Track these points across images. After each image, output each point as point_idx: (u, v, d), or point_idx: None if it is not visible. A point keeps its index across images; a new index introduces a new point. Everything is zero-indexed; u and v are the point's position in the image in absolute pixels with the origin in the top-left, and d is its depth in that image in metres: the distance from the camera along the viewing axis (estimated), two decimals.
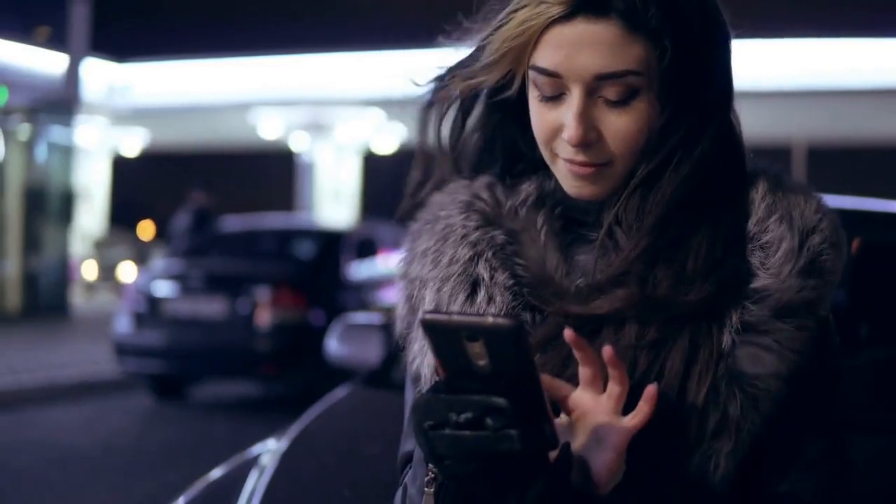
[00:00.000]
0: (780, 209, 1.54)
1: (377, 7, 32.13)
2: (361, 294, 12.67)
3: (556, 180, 1.59)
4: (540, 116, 1.53)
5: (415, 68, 1.73)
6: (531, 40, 1.49)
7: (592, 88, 1.47)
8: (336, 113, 31.16)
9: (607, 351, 1.36)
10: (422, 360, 1.61)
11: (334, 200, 32.76)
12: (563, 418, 1.41)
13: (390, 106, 29.17)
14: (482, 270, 1.57)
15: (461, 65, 1.62)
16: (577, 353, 1.39)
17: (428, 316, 1.27)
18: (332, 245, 13.47)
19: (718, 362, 1.47)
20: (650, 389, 1.38)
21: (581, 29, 1.45)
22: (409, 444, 1.67)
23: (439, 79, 1.67)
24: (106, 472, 8.66)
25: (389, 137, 32.03)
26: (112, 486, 8.18)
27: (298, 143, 33.21)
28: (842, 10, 25.99)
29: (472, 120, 1.69)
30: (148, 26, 34.77)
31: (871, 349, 4.20)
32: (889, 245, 4.37)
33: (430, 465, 1.37)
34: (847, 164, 32.71)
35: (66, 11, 22.93)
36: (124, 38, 31.23)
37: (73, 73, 23.20)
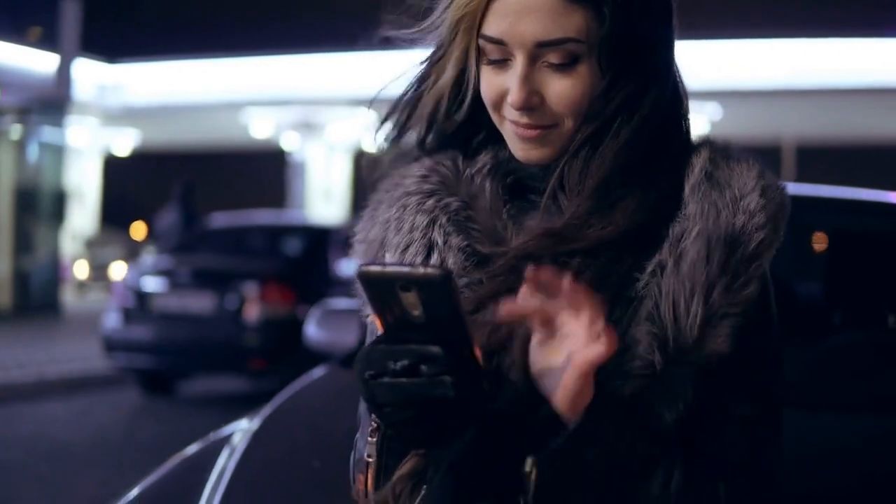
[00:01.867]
0: (716, 177, 1.57)
1: (368, 7, 32.16)
2: (349, 290, 12.65)
3: (510, 150, 1.65)
4: (487, 82, 1.59)
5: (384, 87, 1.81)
6: (478, 11, 1.54)
7: (535, 55, 1.53)
8: (327, 112, 31.20)
9: (566, 283, 1.38)
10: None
11: (325, 199, 32.79)
12: (539, 336, 1.42)
13: (381, 105, 29.25)
14: (436, 235, 1.62)
15: (425, 76, 1.68)
16: (544, 282, 1.39)
17: (363, 267, 1.32)
18: (321, 241, 13.52)
19: (631, 304, 1.52)
20: (604, 326, 1.39)
21: None
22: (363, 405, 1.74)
23: (409, 101, 1.72)
24: (96, 465, 8.70)
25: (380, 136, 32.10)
26: (102, 479, 8.20)
27: (289, 143, 33.24)
28: (831, 10, 26.07)
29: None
30: (139, 26, 34.80)
31: (843, 334, 4.25)
32: (861, 232, 4.42)
33: (373, 416, 1.43)
34: (836, 162, 32.81)
35: (57, 11, 22.93)
36: (115, 39, 31.25)
37: (64, 73, 23.22)
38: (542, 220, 1.59)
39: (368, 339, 1.74)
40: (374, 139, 1.79)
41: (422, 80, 1.70)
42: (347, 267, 13.13)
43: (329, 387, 3.68)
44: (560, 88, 1.54)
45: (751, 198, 1.56)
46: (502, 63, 1.56)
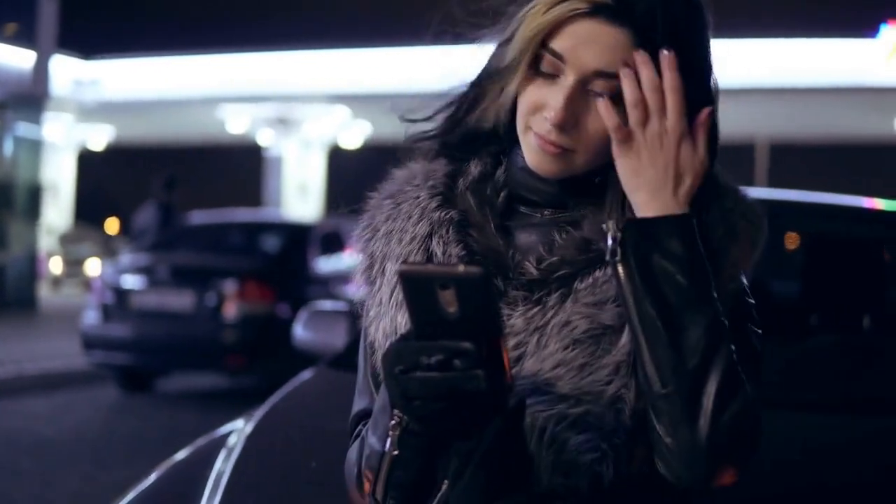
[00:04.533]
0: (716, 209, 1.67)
1: (345, 4, 32.10)
2: (328, 287, 12.71)
3: (504, 163, 1.74)
4: (530, 90, 1.65)
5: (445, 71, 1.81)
6: (551, 25, 1.60)
7: (586, 80, 1.60)
8: (303, 109, 31.16)
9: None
10: (376, 327, 1.74)
11: (300, 195, 32.74)
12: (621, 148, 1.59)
13: (357, 102, 29.21)
14: (435, 246, 1.70)
15: (488, 73, 1.72)
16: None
17: (405, 266, 1.42)
18: (300, 239, 13.52)
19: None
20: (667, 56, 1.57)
21: (597, 27, 1.58)
22: (360, 403, 1.81)
23: (474, 85, 1.76)
24: (76, 461, 8.69)
25: (355, 133, 32.05)
26: (82, 475, 8.22)
27: (265, 139, 33.18)
28: (805, 10, 26.16)
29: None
30: (115, 23, 34.66)
31: (821, 336, 4.32)
32: (839, 237, 4.48)
33: (396, 411, 1.49)
34: (809, 161, 32.92)
35: (34, 8, 22.84)
36: (92, 35, 31.15)
37: (41, 69, 23.14)
38: (541, 234, 1.70)
39: (363, 344, 1.82)
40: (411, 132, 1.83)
41: (483, 81, 1.73)
42: (326, 264, 13.17)
43: (320, 388, 3.72)
44: (598, 119, 1.61)
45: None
46: (550, 77, 1.62)
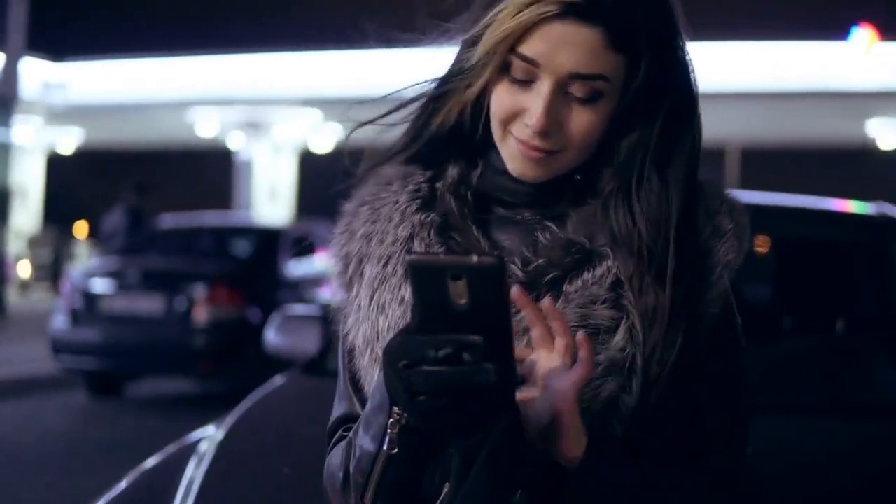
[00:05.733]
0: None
1: (315, 7, 32.05)
2: (298, 291, 12.69)
3: (484, 162, 1.72)
4: (503, 97, 1.63)
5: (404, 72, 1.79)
6: (520, 29, 1.58)
7: (563, 84, 1.58)
8: (273, 112, 31.12)
9: (545, 304, 1.48)
10: (356, 332, 1.71)
11: (270, 199, 32.70)
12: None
13: (327, 106, 29.17)
14: (417, 248, 1.68)
15: (453, 73, 1.70)
16: (524, 312, 1.49)
17: (415, 257, 1.38)
18: (270, 243, 13.47)
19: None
20: (580, 336, 1.47)
21: (569, 28, 1.55)
22: (340, 409, 1.77)
23: (437, 87, 1.73)
24: (43, 467, 8.66)
25: (326, 137, 32.03)
26: (50, 481, 8.18)
27: (235, 142, 33.12)
28: (775, 14, 26.27)
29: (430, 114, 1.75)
30: (85, 25, 34.51)
31: (793, 339, 4.33)
32: (810, 240, 4.49)
33: (396, 408, 1.45)
34: (781, 165, 33.04)
35: (3, 9, 22.72)
36: (62, 37, 31.01)
37: (10, 72, 22.99)
38: (523, 235, 1.67)
39: (341, 350, 1.79)
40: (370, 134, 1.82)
41: (448, 81, 1.72)
42: (296, 268, 13.14)
43: (293, 394, 3.70)
44: (579, 120, 1.59)
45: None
46: (525, 83, 1.60)
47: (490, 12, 1.62)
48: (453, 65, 1.70)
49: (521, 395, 1.47)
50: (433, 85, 1.74)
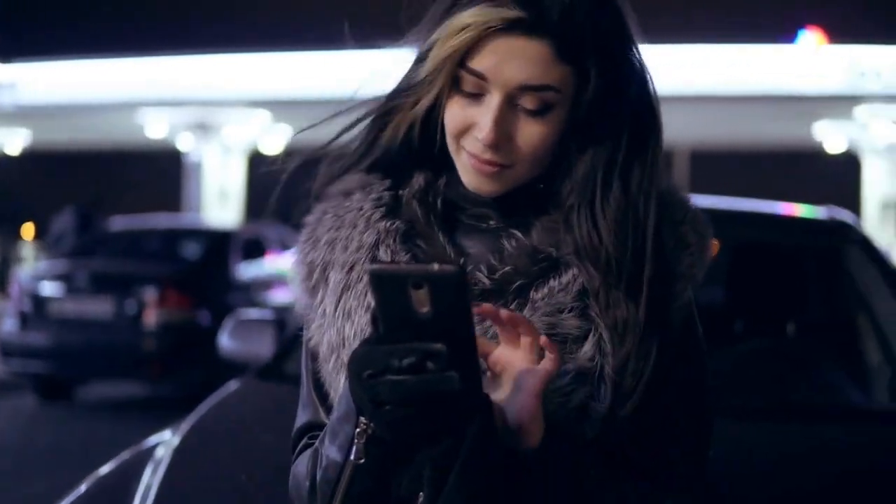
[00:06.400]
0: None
1: (265, 8, 31.98)
2: (249, 294, 12.66)
3: (446, 173, 1.72)
4: (455, 111, 1.64)
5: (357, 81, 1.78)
6: (468, 44, 1.58)
7: (512, 96, 1.59)
8: (223, 113, 30.96)
9: (504, 314, 1.49)
10: (320, 338, 1.72)
11: (220, 201, 32.53)
12: (487, 375, 1.51)
13: (277, 107, 29.07)
14: (382, 255, 1.68)
15: (401, 89, 1.70)
16: (492, 321, 1.51)
17: (376, 266, 1.37)
18: (220, 245, 13.43)
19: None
20: (543, 339, 1.49)
21: (515, 42, 1.56)
22: (304, 416, 1.78)
23: (386, 101, 1.73)
24: None
25: (276, 138, 31.90)
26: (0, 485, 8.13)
27: (185, 144, 32.93)
28: (722, 18, 26.40)
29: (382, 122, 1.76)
30: (33, 26, 34.24)
31: (744, 343, 4.35)
32: (763, 244, 4.53)
33: (362, 418, 1.46)
34: (730, 168, 33.23)
35: None
36: (8, 38, 30.74)
37: None
38: (489, 243, 1.69)
39: (305, 356, 1.80)
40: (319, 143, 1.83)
41: (395, 97, 1.72)
42: (247, 271, 13.10)
43: (249, 399, 3.69)
44: (529, 133, 1.60)
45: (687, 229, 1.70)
46: (475, 97, 1.61)
47: (438, 28, 1.62)
48: (402, 80, 1.70)
49: (491, 392, 1.48)
50: (382, 100, 1.74)
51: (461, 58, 1.59)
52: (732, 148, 33.79)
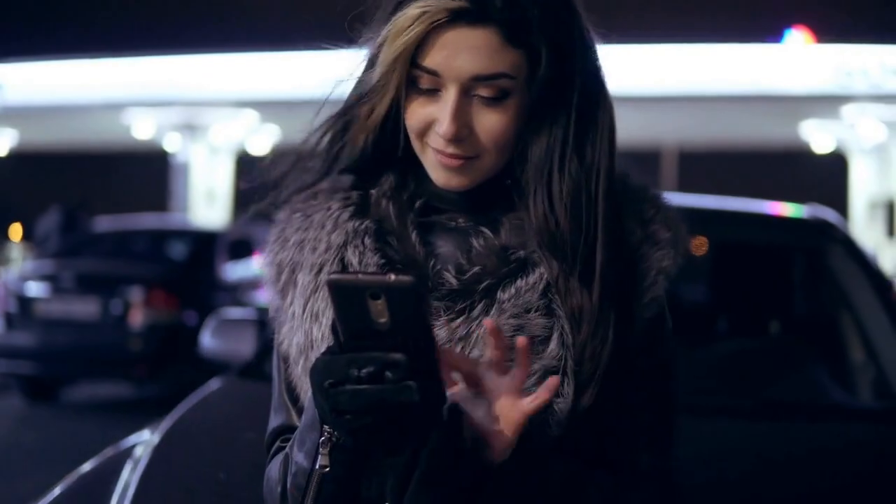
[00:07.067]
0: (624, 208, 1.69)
1: (251, 8, 31.95)
2: (236, 294, 12.64)
3: (413, 173, 1.72)
4: (415, 110, 1.64)
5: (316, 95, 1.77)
6: (415, 42, 1.58)
7: (467, 88, 1.59)
8: (210, 114, 30.94)
9: (487, 323, 1.49)
10: (290, 341, 1.72)
11: (207, 201, 32.50)
12: (465, 390, 1.51)
13: (264, 107, 29.05)
14: (351, 256, 1.68)
15: (353, 100, 1.70)
16: (494, 341, 1.49)
17: (334, 276, 1.37)
18: (206, 245, 13.41)
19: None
20: (553, 381, 1.50)
21: (462, 33, 1.56)
22: (277, 419, 1.77)
23: (342, 113, 1.73)
24: None
25: (263, 138, 31.89)
26: None
27: (172, 144, 32.90)
28: (710, 17, 26.43)
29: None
30: (18, 26, 34.18)
31: (728, 341, 4.36)
32: (745, 243, 4.53)
33: (326, 427, 1.46)
34: (717, 168, 33.28)
35: None
36: None
37: None
38: (458, 242, 1.68)
39: (276, 358, 1.79)
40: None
41: (351, 107, 1.71)
42: (233, 271, 13.08)
43: (229, 398, 3.68)
44: (489, 122, 1.60)
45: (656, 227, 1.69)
46: (432, 93, 1.61)
47: (381, 34, 1.62)
48: (354, 88, 1.71)
49: (469, 407, 1.49)
50: (335, 116, 1.74)
51: (412, 56, 1.59)
52: (720, 148, 33.85)
